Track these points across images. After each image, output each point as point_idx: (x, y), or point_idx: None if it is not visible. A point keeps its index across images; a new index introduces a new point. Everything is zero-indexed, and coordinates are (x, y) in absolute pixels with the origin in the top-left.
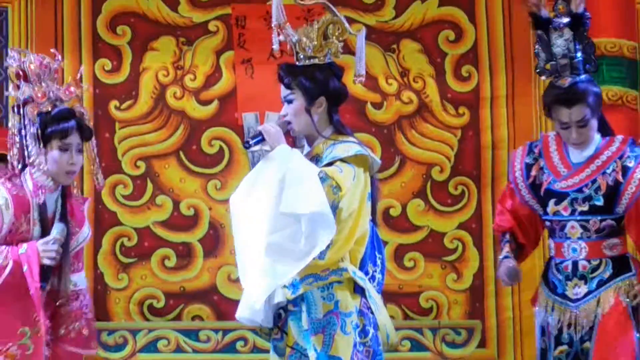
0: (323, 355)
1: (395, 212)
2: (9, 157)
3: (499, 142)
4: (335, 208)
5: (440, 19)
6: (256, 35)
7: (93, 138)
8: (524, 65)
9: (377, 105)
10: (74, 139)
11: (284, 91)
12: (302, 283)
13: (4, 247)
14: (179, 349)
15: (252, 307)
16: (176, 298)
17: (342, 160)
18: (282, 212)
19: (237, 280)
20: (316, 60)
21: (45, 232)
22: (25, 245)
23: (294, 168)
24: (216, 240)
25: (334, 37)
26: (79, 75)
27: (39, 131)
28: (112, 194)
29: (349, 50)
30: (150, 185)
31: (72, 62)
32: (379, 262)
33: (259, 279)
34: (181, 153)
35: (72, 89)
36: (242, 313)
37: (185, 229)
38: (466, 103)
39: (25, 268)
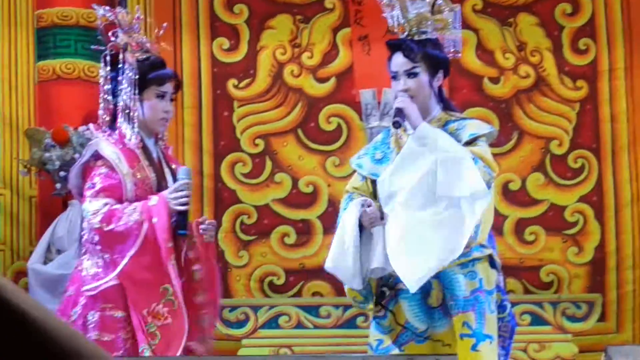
0: (480, 333)
1: (514, 186)
2: (100, 112)
3: (618, 115)
4: (489, 188)
5: None
6: (373, 11)
7: None
8: None
9: (494, 80)
10: (169, 87)
11: (406, 64)
12: None
13: (136, 203)
14: (300, 325)
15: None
16: (296, 275)
17: (481, 137)
18: (439, 195)
19: None
20: (427, 35)
21: (158, 174)
22: (155, 197)
23: (446, 149)
24: (335, 216)
25: (444, 13)
26: (162, 31)
27: (137, 77)
28: (231, 172)
29: (465, 24)
30: (269, 163)
31: (190, 41)
32: None
33: (426, 255)
34: (299, 130)
35: (162, 44)
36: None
37: (304, 206)
38: (584, 76)
39: (155, 220)
